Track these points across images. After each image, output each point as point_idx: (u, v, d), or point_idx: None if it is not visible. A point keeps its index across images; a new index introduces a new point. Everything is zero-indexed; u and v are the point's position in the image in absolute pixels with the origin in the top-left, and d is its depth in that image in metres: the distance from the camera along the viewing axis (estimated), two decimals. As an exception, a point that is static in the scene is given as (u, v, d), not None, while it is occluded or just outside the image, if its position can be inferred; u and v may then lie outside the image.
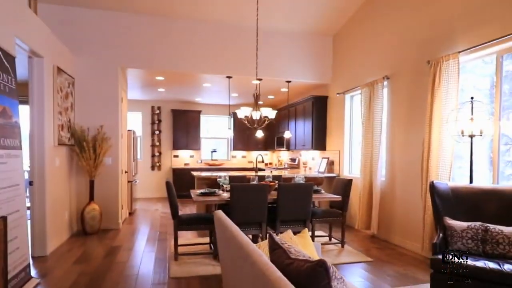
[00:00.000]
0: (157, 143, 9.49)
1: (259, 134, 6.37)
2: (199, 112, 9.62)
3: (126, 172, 6.49)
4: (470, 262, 2.56)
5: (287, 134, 6.69)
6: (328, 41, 6.78)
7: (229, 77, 6.42)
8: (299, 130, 7.54)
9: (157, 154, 9.48)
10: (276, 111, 5.19)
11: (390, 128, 5.01)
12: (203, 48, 6.04)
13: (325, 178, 6.34)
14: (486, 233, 2.79)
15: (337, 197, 4.32)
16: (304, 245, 2.41)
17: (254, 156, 10.03)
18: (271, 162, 10.23)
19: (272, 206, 4.03)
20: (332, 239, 4.80)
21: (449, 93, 3.83)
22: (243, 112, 4.96)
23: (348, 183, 4.58)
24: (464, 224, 2.91)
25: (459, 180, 4.07)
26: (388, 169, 5.02)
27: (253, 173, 6.14)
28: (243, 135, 9.59)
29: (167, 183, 4.15)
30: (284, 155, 9.45)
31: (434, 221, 3.22)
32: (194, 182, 6.16)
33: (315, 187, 4.38)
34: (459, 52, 3.75)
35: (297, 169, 8.08)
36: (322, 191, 4.62)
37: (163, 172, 9.54)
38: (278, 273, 1.25)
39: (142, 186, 8.93)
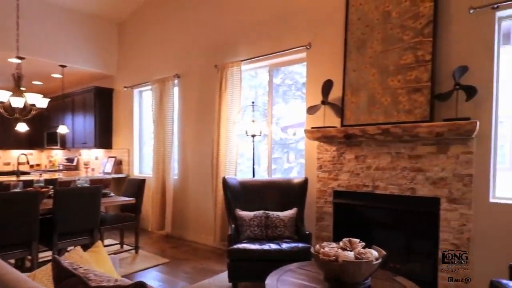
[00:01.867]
0: None
1: (22, 127, 5.00)
2: None
3: None
4: (258, 246, 2.90)
5: (62, 129, 5.61)
6: (113, 28, 6.18)
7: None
8: (79, 125, 6.50)
9: None
10: (48, 100, 4.21)
11: (182, 127, 5.09)
12: None
13: (112, 179, 5.74)
14: (267, 219, 3.25)
15: (131, 200, 3.97)
16: (100, 261, 2.02)
17: (14, 156, 7.90)
18: (39, 164, 8.36)
19: (45, 217, 3.23)
20: (124, 245, 4.39)
21: (234, 97, 4.25)
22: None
23: (140, 183, 4.30)
24: (251, 213, 3.29)
25: (240, 175, 4.60)
26: (180, 167, 5.09)
27: (14, 178, 4.79)
28: (-5, 130, 7.35)
29: None
30: (57, 155, 7.93)
31: (227, 214, 3.49)
32: None
33: (103, 190, 3.85)
34: (242, 61, 4.23)
35: (76, 170, 6.96)
36: (112, 194, 4.14)
37: None
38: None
39: None
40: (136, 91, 5.97)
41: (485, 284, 2.63)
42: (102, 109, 6.21)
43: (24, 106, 3.78)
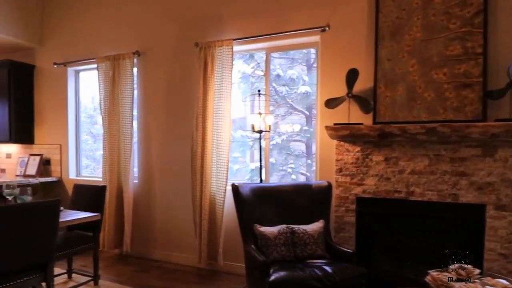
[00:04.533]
0: None
1: None
2: None
3: None
4: (301, 273, 2.28)
5: (-39, 118, 4.02)
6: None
7: None
8: (-19, 111, 4.80)
9: None
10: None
11: (144, 119, 4.07)
12: None
13: (40, 184, 4.35)
14: (293, 236, 2.64)
15: (96, 216, 2.89)
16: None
17: None
18: None
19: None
20: (73, 274, 3.26)
21: (224, 84, 3.47)
22: None
23: (100, 191, 3.23)
24: (275, 229, 2.64)
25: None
26: (142, 170, 4.06)
27: None
28: None
29: None
30: None
31: (241, 231, 2.75)
32: None
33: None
34: (234, 39, 3.48)
35: (-26, 172, 5.20)
36: (62, 208, 2.98)
37: None
38: None
39: None
40: (71, 70, 4.64)
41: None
42: (19, 91, 4.68)
43: None
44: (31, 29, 4.65)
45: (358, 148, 3.00)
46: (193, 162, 3.57)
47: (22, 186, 2.74)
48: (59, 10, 4.64)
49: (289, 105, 4.92)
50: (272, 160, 4.67)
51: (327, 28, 3.14)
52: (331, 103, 3.04)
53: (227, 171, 3.43)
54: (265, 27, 3.41)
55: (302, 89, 4.99)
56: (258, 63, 4.86)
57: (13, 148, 4.99)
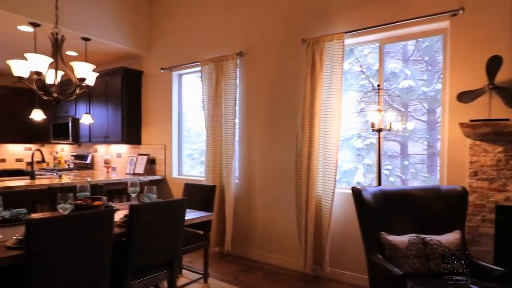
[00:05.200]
0: None
1: (38, 116, 3.87)
2: None
3: None
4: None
5: (86, 120, 4.47)
6: (143, -6, 5.07)
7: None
8: (98, 115, 5.31)
9: None
10: (97, 74, 3.11)
11: (245, 120, 4.07)
12: None
13: (149, 182, 4.64)
14: (426, 247, 2.33)
15: (211, 215, 2.93)
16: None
17: (10, 151, 6.60)
18: (41, 161, 7.05)
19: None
20: (183, 270, 3.35)
21: (334, 80, 3.27)
22: (28, 66, 2.62)
23: (210, 190, 3.27)
24: (404, 239, 2.36)
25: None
26: (243, 170, 4.06)
27: (27, 180, 3.71)
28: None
29: None
30: (63, 151, 6.67)
31: (363, 239, 2.52)
32: None
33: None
34: (345, 32, 3.26)
35: (91, 170, 5.79)
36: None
37: None
38: None
39: None
40: (175, 74, 4.89)
41: None
42: (130, 96, 5.08)
43: (73, 82, 2.66)
44: (141, 37, 5.02)
45: (500, 148, 2.56)
46: (298, 163, 3.44)
47: (146, 185, 2.85)
48: (164, 17, 4.94)
49: (384, 102, 4.54)
50: (367, 161, 4.35)
51: (460, 12, 2.75)
52: (465, 97, 2.66)
53: (336, 173, 3.22)
54: (378, 16, 3.15)
55: (405, 83, 4.57)
56: (357, 58, 4.58)
57: (123, 148, 5.44)
